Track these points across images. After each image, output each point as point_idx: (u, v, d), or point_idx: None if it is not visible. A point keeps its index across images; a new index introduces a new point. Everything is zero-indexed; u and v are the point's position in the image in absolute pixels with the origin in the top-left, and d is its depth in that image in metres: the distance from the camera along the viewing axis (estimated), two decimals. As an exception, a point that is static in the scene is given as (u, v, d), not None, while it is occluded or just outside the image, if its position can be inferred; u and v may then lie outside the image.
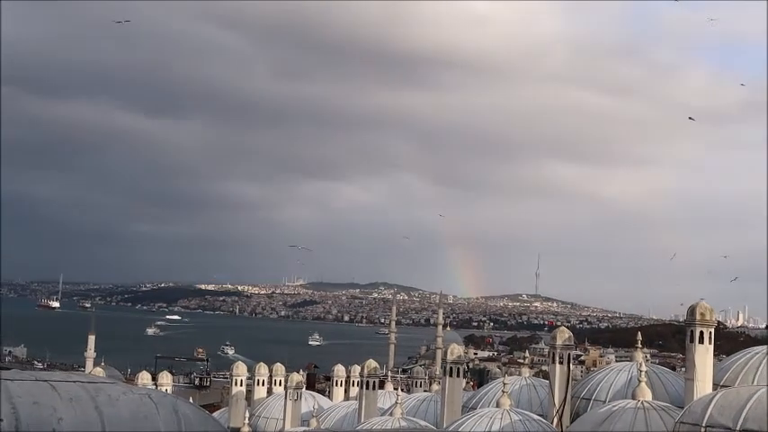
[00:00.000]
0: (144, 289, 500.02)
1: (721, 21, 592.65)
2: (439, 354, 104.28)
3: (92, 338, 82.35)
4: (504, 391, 32.13)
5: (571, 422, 31.18)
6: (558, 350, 33.81)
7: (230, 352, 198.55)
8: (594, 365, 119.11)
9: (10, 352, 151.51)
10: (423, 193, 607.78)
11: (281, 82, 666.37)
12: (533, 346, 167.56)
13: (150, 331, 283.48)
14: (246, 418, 44.31)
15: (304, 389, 48.54)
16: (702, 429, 22.17)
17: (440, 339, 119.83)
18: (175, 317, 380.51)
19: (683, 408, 25.39)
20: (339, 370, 54.46)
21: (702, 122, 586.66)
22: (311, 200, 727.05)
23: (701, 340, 28.86)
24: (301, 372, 66.97)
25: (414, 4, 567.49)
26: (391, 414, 34.37)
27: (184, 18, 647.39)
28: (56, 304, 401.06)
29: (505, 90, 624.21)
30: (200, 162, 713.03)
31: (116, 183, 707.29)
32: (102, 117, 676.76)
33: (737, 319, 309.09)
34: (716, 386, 28.25)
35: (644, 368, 29.83)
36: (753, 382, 28.34)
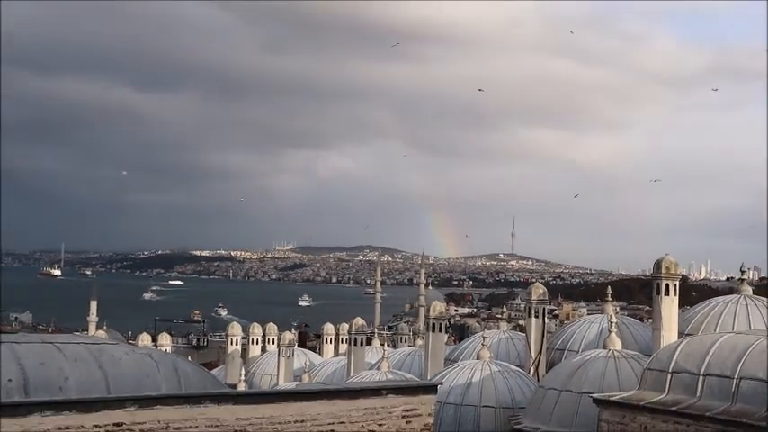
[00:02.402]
0: (142, 256, 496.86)
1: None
2: (422, 311, 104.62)
3: (93, 304, 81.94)
4: (483, 345, 32.37)
5: (547, 371, 31.49)
6: (534, 305, 34.03)
7: (223, 313, 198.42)
8: (568, 318, 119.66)
9: (16, 318, 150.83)
10: (406, 159, 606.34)
11: (269, 56, 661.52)
12: (510, 301, 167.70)
13: (147, 296, 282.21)
14: (242, 375, 44.47)
15: (296, 346, 48.68)
16: (669, 375, 22.45)
17: (422, 298, 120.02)
18: (178, 282, 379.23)
19: (650, 356, 25.68)
20: (328, 328, 54.58)
21: (671, 87, 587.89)
22: (300, 169, 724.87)
23: (667, 292, 29.11)
24: (293, 330, 67.20)
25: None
26: (378, 368, 34.57)
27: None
28: (57, 272, 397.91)
29: (482, 61, 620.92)
30: (193, 135, 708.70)
31: (113, 155, 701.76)
32: (98, 93, 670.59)
33: (700, 273, 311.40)
34: (681, 335, 28.57)
35: (614, 320, 30.07)
36: (715, 331, 28.67)
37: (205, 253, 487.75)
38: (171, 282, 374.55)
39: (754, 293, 32.66)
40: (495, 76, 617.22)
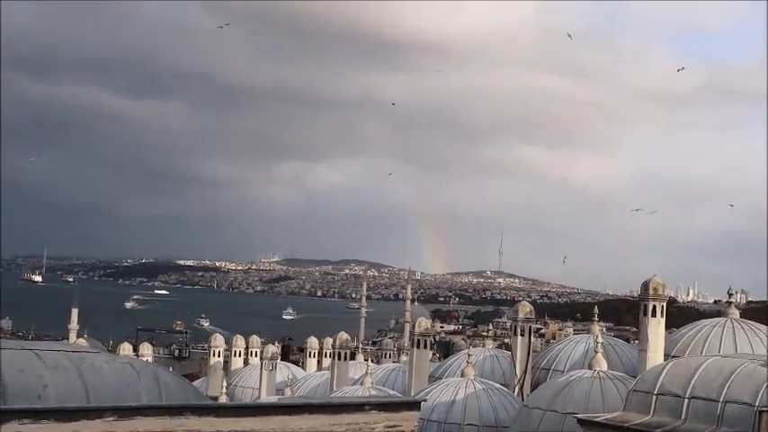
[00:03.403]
0: (125, 264, 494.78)
1: (682, 7, 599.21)
2: (407, 327, 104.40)
3: (75, 311, 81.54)
4: (468, 362, 32.36)
5: (531, 391, 31.48)
6: (520, 323, 34.07)
7: (205, 324, 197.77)
8: (554, 338, 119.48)
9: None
10: (396, 172, 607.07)
11: (261, 65, 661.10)
12: (496, 319, 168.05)
13: (129, 305, 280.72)
14: (224, 388, 44.26)
15: (279, 360, 48.51)
16: (654, 397, 22.49)
17: (408, 313, 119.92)
18: (163, 291, 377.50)
19: (636, 377, 25.72)
20: (312, 342, 54.43)
21: (665, 106, 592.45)
22: (289, 180, 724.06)
23: (654, 314, 29.21)
24: (276, 344, 66.98)
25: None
26: (362, 383, 34.48)
27: (169, 3, 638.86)
28: (38, 278, 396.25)
29: (476, 74, 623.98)
30: (181, 142, 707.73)
31: (100, 162, 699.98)
32: (88, 98, 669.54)
33: (687, 295, 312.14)
34: (667, 357, 28.64)
35: (600, 340, 30.15)
36: (701, 353, 28.76)
37: (189, 263, 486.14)
38: (156, 291, 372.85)
39: (741, 317, 32.84)
40: (488, 89, 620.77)
